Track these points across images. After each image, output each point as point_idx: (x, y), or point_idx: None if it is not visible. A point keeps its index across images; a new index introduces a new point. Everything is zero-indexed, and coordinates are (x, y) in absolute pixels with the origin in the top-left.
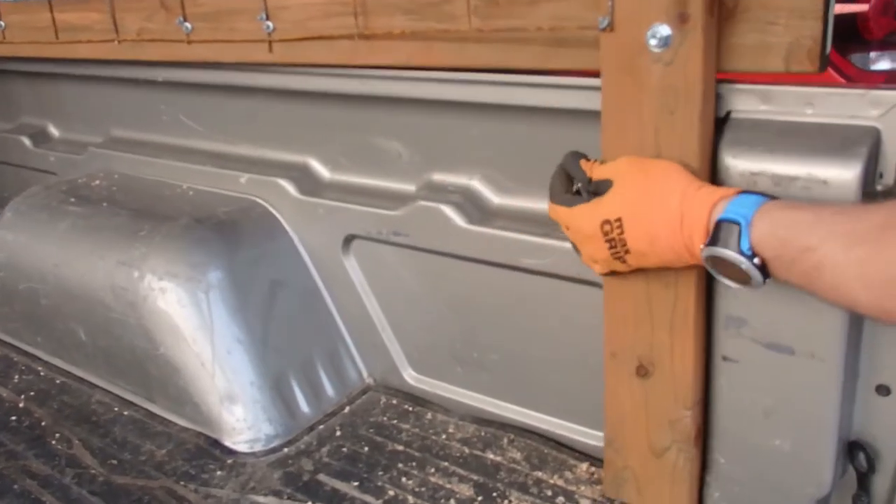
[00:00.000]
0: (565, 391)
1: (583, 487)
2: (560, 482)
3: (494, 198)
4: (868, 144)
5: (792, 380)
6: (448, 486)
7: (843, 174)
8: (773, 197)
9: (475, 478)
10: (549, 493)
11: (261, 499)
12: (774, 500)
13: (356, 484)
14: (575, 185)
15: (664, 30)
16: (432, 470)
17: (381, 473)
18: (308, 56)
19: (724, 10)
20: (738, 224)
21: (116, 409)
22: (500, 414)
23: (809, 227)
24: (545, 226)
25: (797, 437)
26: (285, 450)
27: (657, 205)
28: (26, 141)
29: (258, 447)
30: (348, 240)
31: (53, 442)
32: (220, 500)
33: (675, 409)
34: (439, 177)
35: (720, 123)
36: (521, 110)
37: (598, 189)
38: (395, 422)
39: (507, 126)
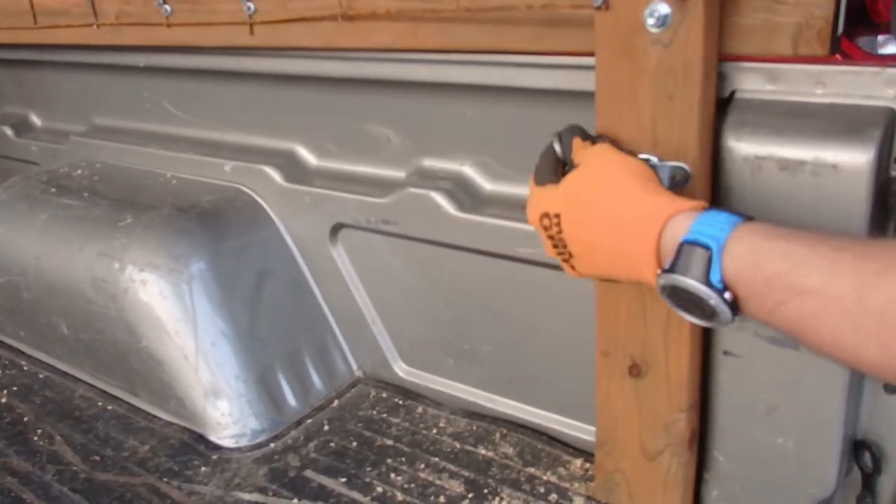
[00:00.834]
0: (560, 385)
1: (576, 484)
2: (553, 479)
3: (487, 184)
4: (882, 126)
5: (796, 376)
6: (438, 482)
7: (855, 158)
8: (748, 217)
9: (466, 474)
10: (542, 489)
11: (245, 496)
12: (776, 499)
13: (343, 480)
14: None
15: (663, 8)
16: (422, 465)
17: (369, 469)
18: (290, 39)
19: None
20: (709, 249)
21: (100, 403)
22: (492, 408)
23: (806, 264)
24: None
25: (801, 436)
26: (271, 445)
27: (599, 205)
28: (8, 131)
29: (244, 442)
30: (336, 228)
31: (35, 438)
32: (203, 497)
33: (670, 412)
34: (429, 163)
35: (723, 104)
36: (515, 92)
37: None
38: (384, 416)
39: (500, 109)
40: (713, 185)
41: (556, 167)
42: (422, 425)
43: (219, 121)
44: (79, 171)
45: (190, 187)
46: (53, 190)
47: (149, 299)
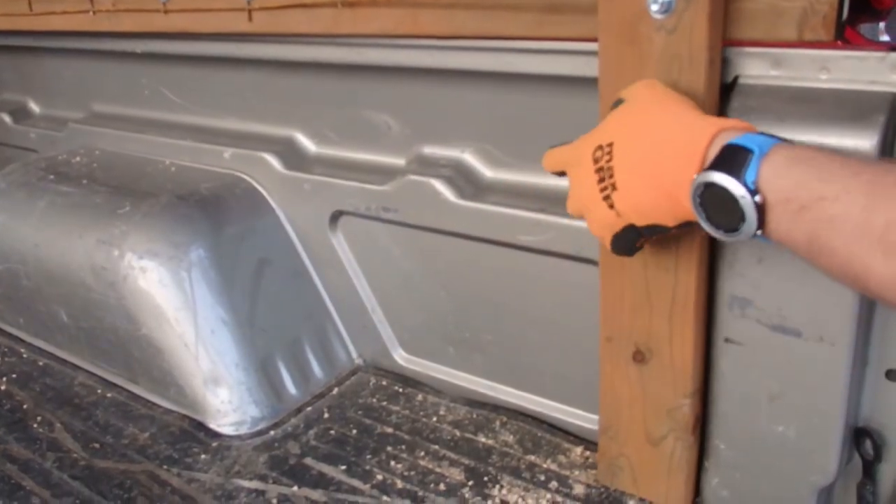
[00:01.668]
0: (561, 373)
1: (577, 472)
2: (554, 466)
3: (487, 171)
4: (887, 112)
5: (798, 364)
6: (438, 470)
7: (860, 144)
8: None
9: (466, 461)
10: (543, 477)
11: (245, 483)
12: (776, 487)
13: (343, 468)
14: None
15: None
16: (422, 453)
17: (369, 457)
18: (289, 26)
19: None
20: (751, 152)
21: (100, 391)
22: (492, 396)
23: (831, 172)
24: (541, 201)
25: (802, 424)
26: (271, 433)
27: (651, 126)
28: (6, 118)
29: (244, 430)
30: (336, 216)
31: (35, 425)
32: (203, 484)
33: (674, 397)
34: (430, 150)
35: (727, 90)
36: (516, 78)
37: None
38: (384, 403)
39: (501, 96)
40: None
41: None
42: (422, 413)
43: (218, 108)
44: (77, 159)
45: (189, 174)
46: (52, 177)
47: (148, 287)
